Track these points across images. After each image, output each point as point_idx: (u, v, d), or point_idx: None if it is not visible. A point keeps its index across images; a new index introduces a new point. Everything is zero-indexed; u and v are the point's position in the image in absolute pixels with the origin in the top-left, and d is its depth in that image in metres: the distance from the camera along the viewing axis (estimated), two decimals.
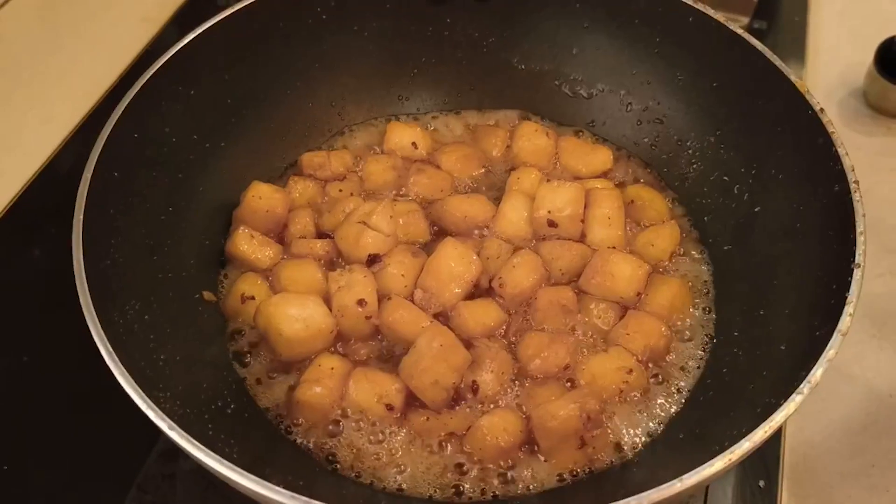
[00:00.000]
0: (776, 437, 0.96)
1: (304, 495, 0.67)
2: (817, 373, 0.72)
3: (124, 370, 0.73)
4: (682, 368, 0.95)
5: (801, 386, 0.72)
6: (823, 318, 0.77)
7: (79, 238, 0.82)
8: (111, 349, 0.74)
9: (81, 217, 0.83)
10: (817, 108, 0.91)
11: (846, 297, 0.77)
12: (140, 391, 0.72)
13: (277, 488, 0.68)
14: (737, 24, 1.02)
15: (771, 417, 0.70)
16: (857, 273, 0.78)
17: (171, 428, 0.70)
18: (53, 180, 1.25)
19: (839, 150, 0.87)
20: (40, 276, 1.12)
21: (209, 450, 0.69)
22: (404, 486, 0.86)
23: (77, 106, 1.35)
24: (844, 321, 0.75)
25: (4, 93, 1.39)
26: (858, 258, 0.79)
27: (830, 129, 0.89)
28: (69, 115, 1.34)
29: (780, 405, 0.71)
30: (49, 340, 1.04)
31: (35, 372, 1.03)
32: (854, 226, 0.81)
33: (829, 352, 0.73)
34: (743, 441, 0.69)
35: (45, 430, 0.98)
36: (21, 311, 1.09)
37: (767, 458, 0.95)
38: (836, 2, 1.53)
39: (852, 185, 0.84)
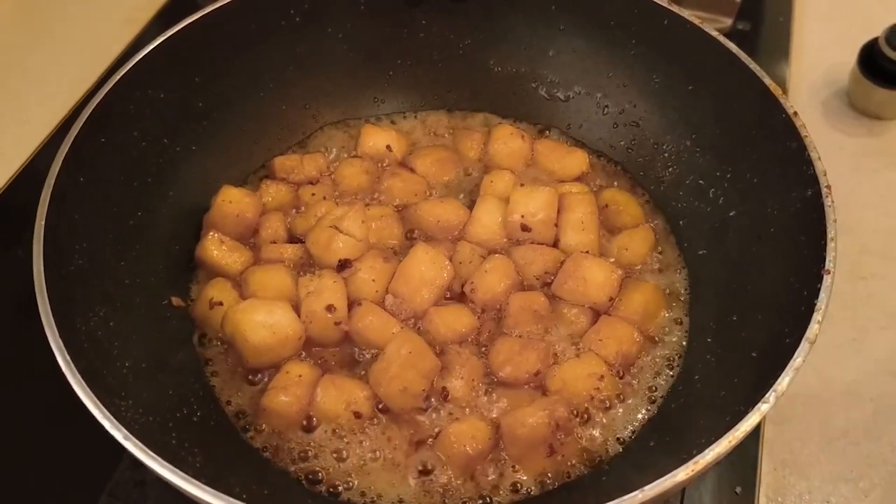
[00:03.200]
0: (754, 442, 0.95)
1: None
2: (784, 382, 0.71)
3: (81, 380, 0.72)
4: (655, 375, 0.94)
5: (767, 395, 0.71)
6: (793, 325, 0.76)
7: (39, 244, 0.81)
8: (68, 357, 0.73)
9: (43, 222, 0.83)
10: (791, 111, 0.89)
11: (815, 305, 0.75)
12: (95, 399, 0.71)
13: (235, 501, 0.66)
14: (720, 26, 1.01)
15: (736, 427, 0.69)
16: (826, 280, 0.77)
17: (126, 438, 0.70)
18: (32, 182, 1.22)
19: (812, 154, 0.86)
20: (19, 278, 1.11)
21: (166, 461, 0.69)
22: (371, 495, 0.86)
23: (57, 107, 1.34)
24: (812, 329, 0.74)
25: None
26: (829, 264, 0.78)
27: (804, 133, 0.87)
28: (49, 116, 1.32)
29: (746, 414, 0.70)
30: (24, 344, 1.03)
31: (8, 376, 1.02)
32: (825, 231, 0.80)
33: (797, 360, 0.72)
34: (706, 451, 0.68)
35: (15, 435, 0.98)
36: None
37: (744, 463, 0.94)
38: (820, 3, 1.52)
39: (824, 190, 0.83)
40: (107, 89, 0.94)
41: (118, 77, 0.95)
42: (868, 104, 1.32)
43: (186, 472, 0.68)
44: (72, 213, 0.87)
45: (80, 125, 0.90)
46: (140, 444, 0.69)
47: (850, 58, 1.30)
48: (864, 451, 0.97)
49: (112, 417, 0.70)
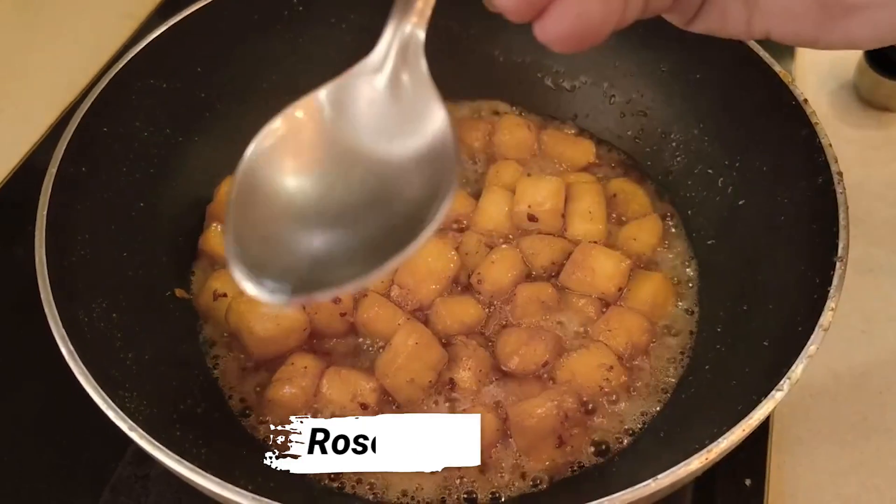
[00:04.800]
0: (763, 434, 0.94)
1: (272, 499, 0.65)
2: (797, 369, 0.70)
3: (85, 370, 0.71)
4: (665, 365, 0.93)
5: (781, 382, 0.70)
6: (805, 312, 0.75)
7: (41, 235, 0.80)
8: (72, 348, 0.73)
9: (45, 213, 0.82)
10: (801, 98, 0.88)
11: (828, 292, 0.75)
12: (101, 391, 0.70)
13: (242, 491, 0.66)
14: None
15: (749, 415, 0.69)
16: (839, 267, 0.76)
17: (131, 429, 0.69)
18: (31, 178, 1.21)
19: (822, 140, 0.85)
20: (18, 275, 1.10)
21: (172, 451, 0.68)
22: (379, 487, 0.85)
23: (55, 103, 1.33)
24: (826, 316, 0.73)
25: None
26: (841, 251, 0.77)
27: (814, 120, 0.86)
28: (47, 112, 1.32)
29: (760, 402, 0.70)
30: (25, 339, 1.02)
31: (9, 371, 1.02)
32: (837, 218, 0.79)
33: (811, 347, 0.71)
34: (720, 440, 0.68)
35: (16, 430, 0.97)
36: None
37: (754, 455, 0.93)
38: None
39: (836, 177, 0.82)
40: (109, 78, 0.93)
41: (120, 66, 0.94)
42: (875, 96, 1.31)
43: (192, 464, 0.67)
44: (74, 203, 0.87)
45: (83, 114, 0.89)
46: (146, 434, 0.68)
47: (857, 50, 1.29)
48: (873, 443, 0.96)
49: (117, 408, 0.69)
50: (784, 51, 1.38)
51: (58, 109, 1.32)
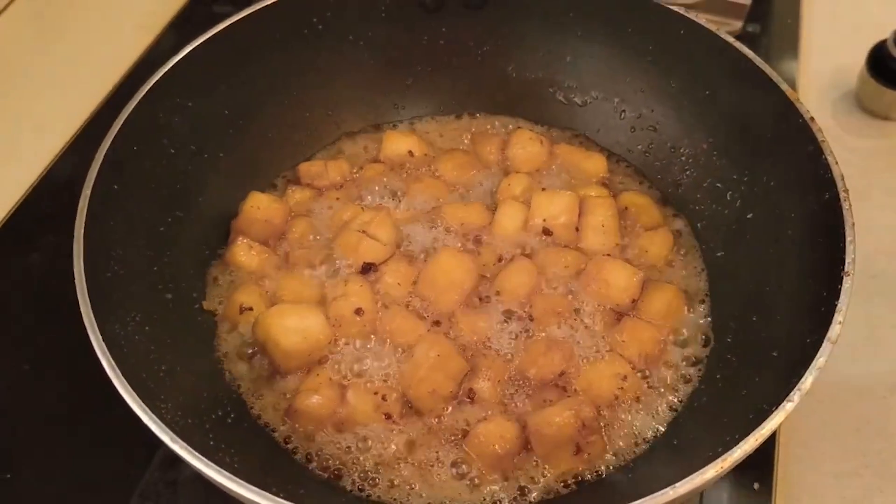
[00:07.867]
0: (770, 438, 0.97)
1: None
2: (807, 381, 0.73)
3: (127, 384, 0.74)
4: (677, 375, 0.96)
5: (792, 394, 0.73)
6: (814, 325, 0.78)
7: (80, 252, 0.82)
8: (114, 363, 0.75)
9: (82, 231, 0.84)
10: (807, 116, 0.91)
11: (836, 306, 0.77)
12: (143, 404, 0.73)
13: (277, 499, 0.68)
14: (730, 29, 1.02)
15: (762, 426, 0.71)
16: (846, 281, 0.79)
17: (173, 440, 0.71)
18: (52, 189, 1.26)
19: (829, 158, 0.87)
20: (40, 283, 1.13)
21: (211, 461, 0.70)
22: (403, 495, 0.87)
23: (74, 115, 1.35)
24: (834, 329, 0.76)
25: (0, 102, 1.39)
26: (848, 266, 0.80)
27: (820, 138, 0.89)
28: (67, 124, 1.33)
29: (772, 413, 0.72)
30: (49, 347, 1.05)
31: (35, 379, 1.04)
32: (843, 234, 0.82)
33: (819, 360, 0.74)
34: (735, 449, 0.70)
35: (45, 438, 0.99)
36: (21, 318, 1.10)
37: (761, 460, 0.95)
38: (828, 5, 1.54)
39: (842, 194, 0.84)
40: (139, 98, 0.95)
41: (149, 86, 0.96)
42: (877, 106, 1.33)
43: (228, 472, 0.70)
44: (107, 220, 0.89)
45: (114, 134, 0.91)
46: (187, 446, 0.71)
47: (859, 59, 1.32)
48: (876, 446, 0.99)
49: (158, 421, 0.72)
50: (787, 60, 1.41)
51: (76, 123, 1.34)
